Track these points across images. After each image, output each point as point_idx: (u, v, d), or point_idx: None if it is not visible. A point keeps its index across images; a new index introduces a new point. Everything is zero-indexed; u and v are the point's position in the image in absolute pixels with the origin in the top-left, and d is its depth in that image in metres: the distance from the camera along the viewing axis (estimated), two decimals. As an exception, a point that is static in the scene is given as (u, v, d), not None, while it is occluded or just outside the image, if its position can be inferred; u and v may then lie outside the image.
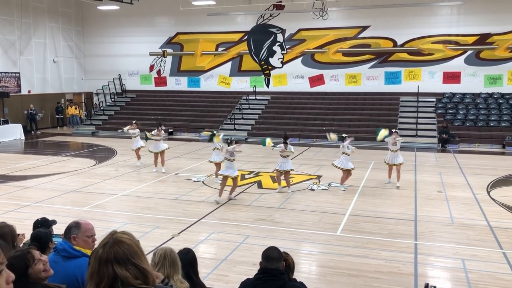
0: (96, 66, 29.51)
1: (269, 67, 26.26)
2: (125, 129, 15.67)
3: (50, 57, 27.32)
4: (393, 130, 13.59)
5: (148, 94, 28.19)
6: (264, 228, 9.09)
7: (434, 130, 21.47)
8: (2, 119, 23.05)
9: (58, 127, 27.38)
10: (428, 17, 23.33)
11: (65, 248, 3.33)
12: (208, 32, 27.00)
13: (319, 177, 13.80)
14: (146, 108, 26.71)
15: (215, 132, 13.46)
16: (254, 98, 25.88)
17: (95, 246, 2.41)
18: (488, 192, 12.05)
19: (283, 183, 12.15)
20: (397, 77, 24.26)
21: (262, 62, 26.32)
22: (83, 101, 29.79)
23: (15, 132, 22.90)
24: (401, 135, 13.97)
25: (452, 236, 8.68)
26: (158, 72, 28.40)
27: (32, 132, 24.75)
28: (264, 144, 12.23)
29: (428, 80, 23.71)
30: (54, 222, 4.84)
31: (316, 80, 25.50)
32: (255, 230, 8.96)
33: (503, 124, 21.13)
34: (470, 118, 21.79)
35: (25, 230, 4.48)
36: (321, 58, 25.35)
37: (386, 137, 12.86)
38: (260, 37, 26.09)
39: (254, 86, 26.27)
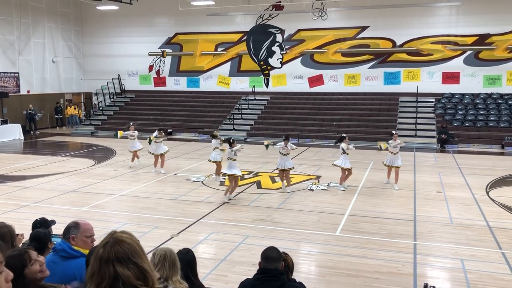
0: (95, 66, 29.49)
1: (269, 67, 26.26)
2: (126, 133, 15.50)
3: (49, 57, 27.30)
4: (393, 132, 13.61)
5: (147, 94, 28.18)
6: (264, 228, 9.09)
7: (433, 130, 21.47)
8: (1, 119, 23.02)
9: (57, 127, 27.35)
10: (427, 17, 23.34)
11: (64, 248, 3.33)
12: (207, 32, 27.00)
13: (318, 177, 13.80)
14: (145, 108, 26.71)
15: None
16: (253, 98, 25.88)
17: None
18: (487, 193, 12.06)
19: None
20: (396, 78, 24.27)
21: (262, 62, 26.33)
22: (82, 101, 29.78)
23: (14, 132, 22.89)
24: (400, 136, 14.00)
25: (451, 236, 8.69)
26: (157, 72, 28.40)
27: (31, 132, 24.71)
28: (266, 148, 12.92)
29: (427, 81, 23.72)
30: (53, 222, 4.85)
31: (315, 81, 25.51)
32: (255, 230, 8.96)
33: (502, 125, 21.14)
34: (469, 118, 21.80)
35: (24, 230, 4.48)
36: (320, 59, 25.35)
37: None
38: (260, 37, 26.09)
39: (254, 86, 26.28)
